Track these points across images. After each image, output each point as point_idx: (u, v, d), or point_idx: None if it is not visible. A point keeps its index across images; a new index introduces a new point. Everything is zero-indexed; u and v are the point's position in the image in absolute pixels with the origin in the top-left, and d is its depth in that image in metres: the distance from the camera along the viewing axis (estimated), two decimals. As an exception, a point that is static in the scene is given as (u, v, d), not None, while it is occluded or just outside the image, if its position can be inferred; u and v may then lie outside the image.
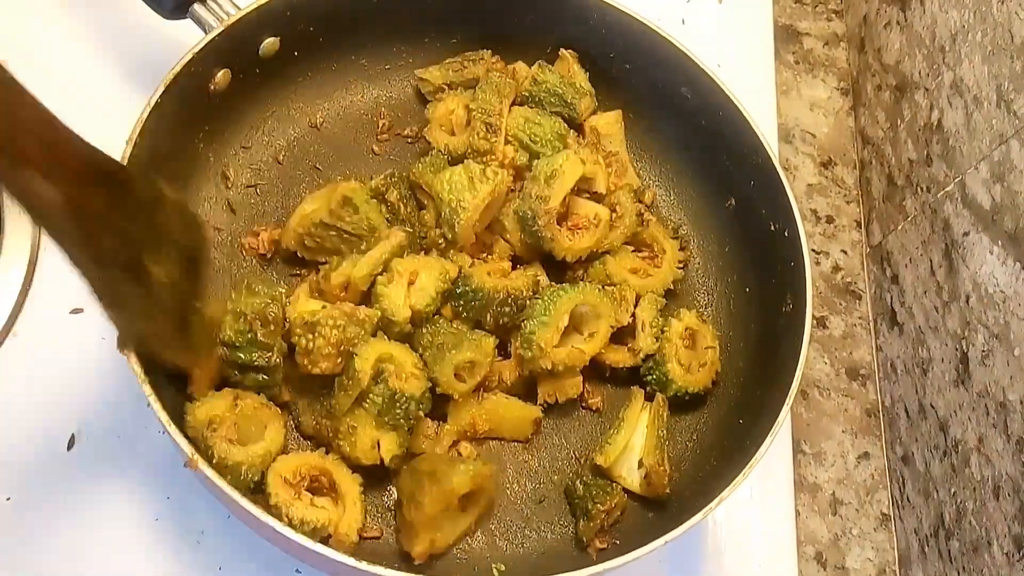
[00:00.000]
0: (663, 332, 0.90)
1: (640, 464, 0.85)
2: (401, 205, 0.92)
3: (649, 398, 0.89)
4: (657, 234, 0.97)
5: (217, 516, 0.88)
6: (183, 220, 0.76)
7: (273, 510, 0.74)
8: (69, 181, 0.62)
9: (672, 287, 0.95)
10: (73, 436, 0.90)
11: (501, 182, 0.87)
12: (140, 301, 0.72)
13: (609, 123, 1.00)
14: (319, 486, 0.80)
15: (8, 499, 0.87)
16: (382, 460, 0.80)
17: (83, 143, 0.65)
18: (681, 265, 0.98)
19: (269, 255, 0.92)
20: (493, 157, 0.92)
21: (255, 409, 0.81)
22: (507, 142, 0.94)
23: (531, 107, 0.97)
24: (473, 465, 0.80)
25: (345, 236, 0.87)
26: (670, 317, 0.91)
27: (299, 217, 0.89)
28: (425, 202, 0.93)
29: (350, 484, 0.80)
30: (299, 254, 0.90)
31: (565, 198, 0.89)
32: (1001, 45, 0.95)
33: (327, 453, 0.82)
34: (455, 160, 0.93)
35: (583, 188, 0.91)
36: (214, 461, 0.75)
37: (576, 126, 1.00)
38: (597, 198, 0.93)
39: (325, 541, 0.75)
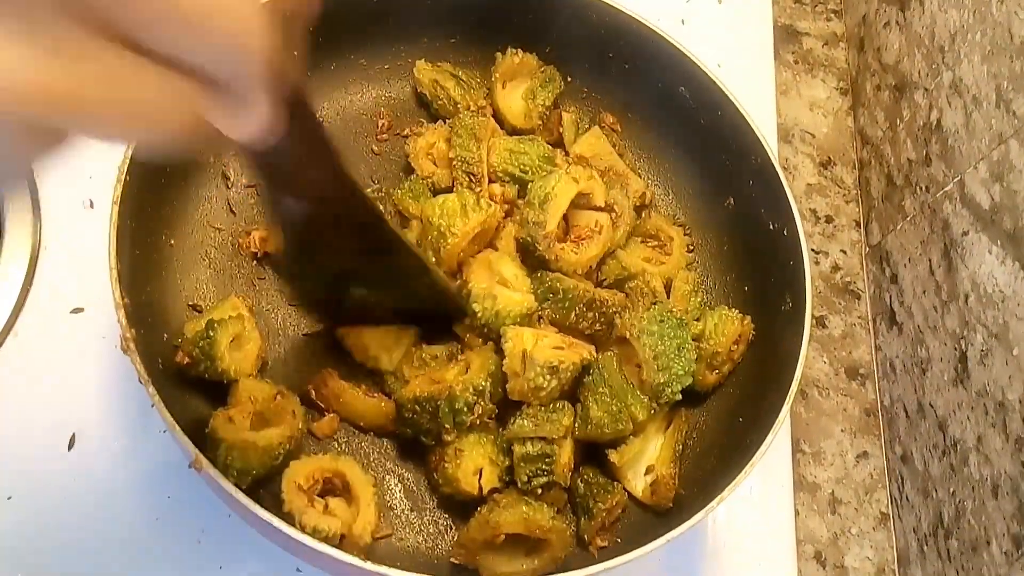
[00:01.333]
0: (716, 328, 0.89)
1: (649, 471, 0.85)
2: None
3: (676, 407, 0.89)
4: (660, 223, 0.98)
5: (218, 515, 0.88)
6: (441, 296, 0.86)
7: (286, 517, 0.74)
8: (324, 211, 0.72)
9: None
10: (74, 436, 0.90)
11: (494, 214, 0.87)
12: (322, 294, 0.84)
13: (592, 144, 1.00)
14: (332, 487, 0.81)
15: (9, 498, 0.87)
16: (480, 489, 0.81)
17: (368, 206, 0.76)
18: (690, 249, 0.99)
19: (261, 254, 0.92)
20: (482, 193, 0.92)
21: (281, 407, 0.82)
22: (493, 180, 0.94)
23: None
24: (532, 510, 0.78)
25: None
26: (723, 314, 0.91)
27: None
28: (410, 221, 0.93)
29: (364, 485, 0.80)
30: None
31: (563, 218, 0.88)
32: (1000, 45, 0.95)
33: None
34: (440, 191, 0.94)
35: (583, 204, 0.91)
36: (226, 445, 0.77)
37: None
38: (597, 208, 0.93)
39: (336, 543, 0.75)
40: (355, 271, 0.81)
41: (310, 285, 0.83)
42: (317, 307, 0.88)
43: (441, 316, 0.89)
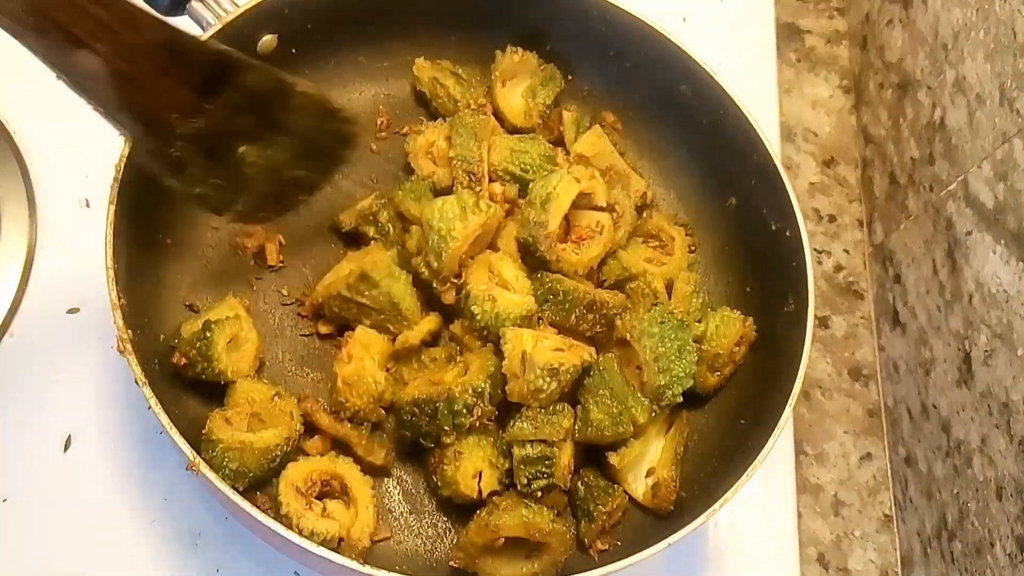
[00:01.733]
0: (717, 330, 0.89)
1: (649, 473, 0.85)
2: (391, 227, 0.92)
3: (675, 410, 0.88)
4: (661, 223, 0.97)
5: (215, 517, 0.88)
6: (317, 115, 0.84)
7: (284, 520, 0.74)
8: (122, 56, 0.67)
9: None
10: (70, 437, 0.90)
11: (494, 215, 0.86)
12: (210, 172, 0.77)
13: (592, 143, 0.99)
14: (331, 490, 0.80)
15: (5, 500, 0.87)
16: (480, 492, 0.80)
17: (164, 29, 0.72)
18: (692, 249, 0.98)
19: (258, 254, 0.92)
20: (483, 193, 0.91)
21: (279, 408, 0.81)
22: (494, 179, 0.93)
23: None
24: (531, 513, 0.78)
25: (365, 309, 0.86)
26: (725, 316, 0.90)
27: (323, 285, 0.89)
28: (411, 226, 0.92)
29: (362, 488, 0.80)
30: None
31: (564, 218, 0.88)
32: (1004, 43, 0.94)
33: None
34: (440, 191, 0.93)
35: (584, 204, 0.90)
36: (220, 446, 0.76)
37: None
38: (599, 207, 0.92)
39: (334, 546, 0.74)
40: (223, 129, 0.76)
41: (192, 169, 0.76)
42: (233, 199, 0.82)
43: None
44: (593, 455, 0.85)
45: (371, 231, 0.92)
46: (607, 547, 0.83)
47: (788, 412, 0.80)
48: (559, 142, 1.01)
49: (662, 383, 0.81)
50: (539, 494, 0.80)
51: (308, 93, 0.85)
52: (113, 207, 0.78)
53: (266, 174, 0.82)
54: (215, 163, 0.78)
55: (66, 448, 0.89)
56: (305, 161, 0.86)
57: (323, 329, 0.90)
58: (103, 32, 0.65)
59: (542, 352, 0.80)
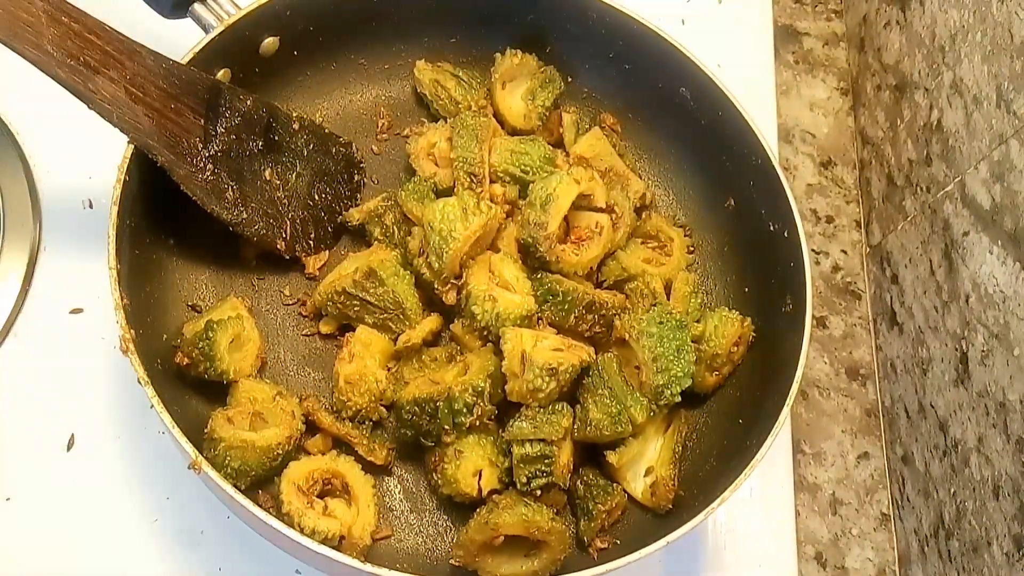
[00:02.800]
0: (716, 330, 0.89)
1: (648, 472, 0.85)
2: (396, 229, 0.92)
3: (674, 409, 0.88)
4: (660, 224, 0.98)
5: (217, 516, 0.88)
6: (319, 138, 0.95)
7: (285, 518, 0.74)
8: (132, 83, 0.79)
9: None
10: (73, 436, 0.90)
11: (494, 216, 0.87)
12: (246, 197, 0.87)
13: (592, 144, 0.99)
14: (332, 489, 0.81)
15: (8, 500, 0.87)
16: (480, 490, 0.81)
17: (162, 59, 0.82)
18: (690, 250, 0.99)
19: (260, 255, 0.93)
20: (483, 194, 0.92)
21: (281, 407, 0.82)
22: (494, 180, 0.94)
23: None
24: (531, 511, 0.78)
25: (369, 306, 0.87)
26: (723, 315, 0.90)
27: (326, 283, 0.89)
28: (413, 227, 0.92)
29: (363, 486, 0.81)
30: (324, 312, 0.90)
31: (564, 219, 0.88)
32: (1001, 45, 0.95)
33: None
34: (441, 192, 0.94)
35: (583, 205, 0.91)
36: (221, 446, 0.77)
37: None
38: (598, 209, 0.92)
39: (335, 544, 0.75)
40: (238, 150, 0.86)
41: (230, 193, 0.86)
42: (252, 218, 0.89)
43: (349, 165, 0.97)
44: (592, 454, 0.86)
45: (376, 231, 0.93)
46: (606, 545, 0.84)
47: (786, 411, 0.81)
48: (559, 144, 1.01)
49: (661, 383, 0.82)
50: (538, 493, 0.81)
51: (304, 118, 0.94)
52: (116, 208, 0.78)
53: (296, 200, 0.91)
54: (247, 186, 0.87)
55: (69, 448, 0.90)
56: (324, 185, 0.94)
57: (324, 329, 0.90)
58: (111, 61, 0.77)
59: (541, 352, 0.80)
